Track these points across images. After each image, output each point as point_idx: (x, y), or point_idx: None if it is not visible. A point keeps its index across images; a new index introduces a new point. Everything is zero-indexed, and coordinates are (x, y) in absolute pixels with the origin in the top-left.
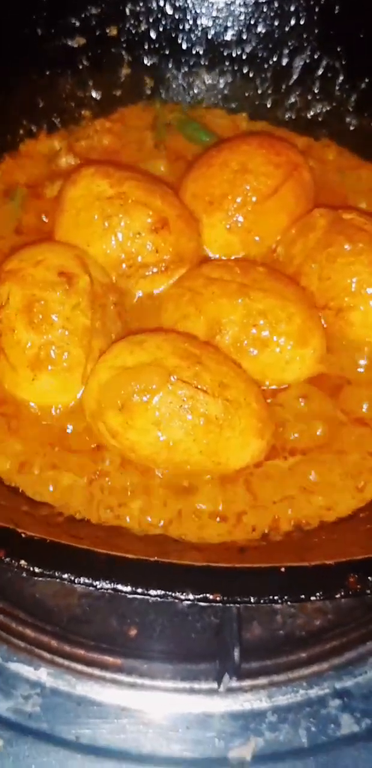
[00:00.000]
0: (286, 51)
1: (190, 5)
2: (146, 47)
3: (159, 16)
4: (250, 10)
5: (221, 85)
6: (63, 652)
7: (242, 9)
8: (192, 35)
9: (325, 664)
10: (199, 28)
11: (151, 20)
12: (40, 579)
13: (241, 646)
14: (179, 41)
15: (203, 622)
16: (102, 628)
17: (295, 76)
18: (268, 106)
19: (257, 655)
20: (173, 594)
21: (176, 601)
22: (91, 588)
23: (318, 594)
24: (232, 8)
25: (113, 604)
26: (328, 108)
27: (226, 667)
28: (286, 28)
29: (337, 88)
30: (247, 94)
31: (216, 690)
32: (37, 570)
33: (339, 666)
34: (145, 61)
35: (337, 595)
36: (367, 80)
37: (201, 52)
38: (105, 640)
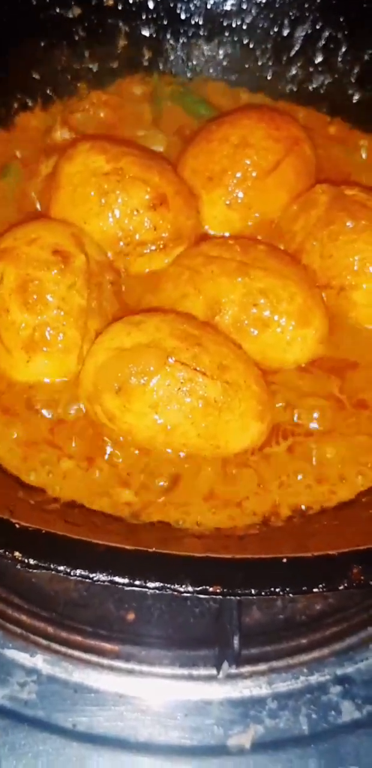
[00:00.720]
0: (287, 21)
1: None
2: (144, 17)
3: None
4: None
5: (221, 57)
6: (59, 639)
7: None
8: (191, 5)
9: (325, 650)
10: None
11: None
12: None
13: (241, 631)
14: (178, 11)
15: (202, 607)
16: (99, 613)
17: (296, 48)
18: (269, 78)
19: (257, 641)
20: (172, 587)
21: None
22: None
23: (320, 586)
24: None
25: (111, 588)
26: (330, 80)
27: (226, 654)
28: None
29: (339, 59)
30: (247, 66)
31: (215, 677)
32: (31, 562)
33: (340, 652)
34: (143, 32)
35: (341, 587)
36: (370, 52)
37: (200, 23)
38: (102, 625)
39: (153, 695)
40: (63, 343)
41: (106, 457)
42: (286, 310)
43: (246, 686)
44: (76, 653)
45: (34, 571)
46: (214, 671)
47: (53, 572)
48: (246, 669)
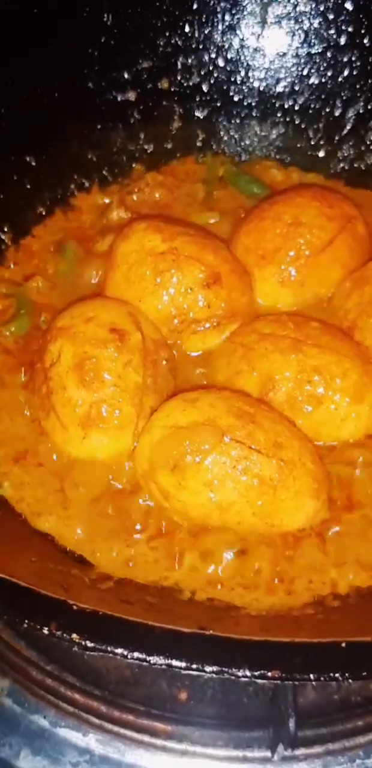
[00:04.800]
0: (339, 102)
1: (242, 58)
2: (197, 99)
3: (211, 68)
4: (302, 61)
5: (273, 137)
6: (112, 718)
7: (294, 60)
8: (244, 87)
9: None
10: (251, 80)
11: (202, 73)
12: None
13: (296, 712)
14: (231, 93)
15: (256, 686)
16: (152, 692)
17: (348, 127)
18: (321, 156)
19: (312, 723)
20: (230, 671)
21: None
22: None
23: None
24: (284, 60)
25: None
26: None
27: (281, 735)
28: (340, 79)
29: None
30: (299, 146)
31: (270, 759)
32: (89, 644)
33: None
34: (197, 114)
35: None
36: None
37: (253, 104)
38: (155, 704)
39: None
40: (119, 419)
41: (160, 533)
42: (340, 387)
43: None
44: (129, 733)
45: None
46: (268, 753)
47: (110, 655)
48: (301, 752)
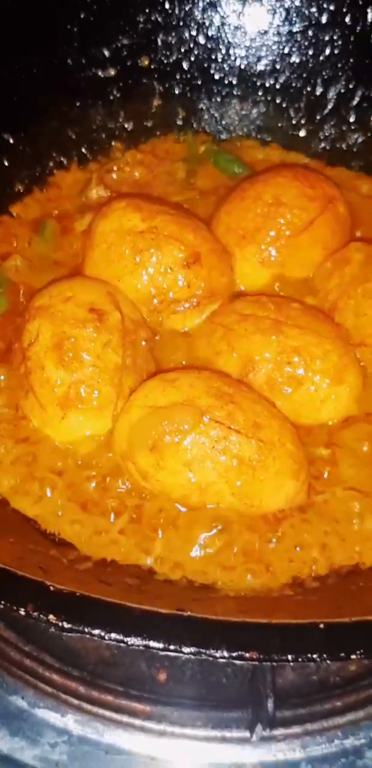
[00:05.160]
0: (320, 81)
1: (223, 35)
2: (178, 77)
3: (191, 46)
4: (283, 39)
5: (254, 116)
6: (90, 698)
7: (276, 38)
8: (224, 65)
9: (361, 713)
10: (232, 58)
11: (183, 50)
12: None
13: (274, 693)
14: (211, 71)
15: (235, 667)
16: (131, 673)
17: (329, 106)
18: (302, 136)
19: (291, 703)
20: (207, 651)
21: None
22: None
23: (359, 652)
24: (265, 38)
25: None
26: (363, 138)
27: (259, 716)
28: (321, 58)
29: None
30: (280, 125)
31: (248, 739)
32: (66, 625)
33: None
34: (177, 92)
35: None
36: None
37: (234, 82)
38: (134, 685)
39: (185, 758)
40: (98, 400)
41: (139, 514)
42: (320, 368)
43: (280, 749)
44: (108, 713)
45: (68, 634)
46: (247, 734)
47: (88, 636)
48: (280, 732)
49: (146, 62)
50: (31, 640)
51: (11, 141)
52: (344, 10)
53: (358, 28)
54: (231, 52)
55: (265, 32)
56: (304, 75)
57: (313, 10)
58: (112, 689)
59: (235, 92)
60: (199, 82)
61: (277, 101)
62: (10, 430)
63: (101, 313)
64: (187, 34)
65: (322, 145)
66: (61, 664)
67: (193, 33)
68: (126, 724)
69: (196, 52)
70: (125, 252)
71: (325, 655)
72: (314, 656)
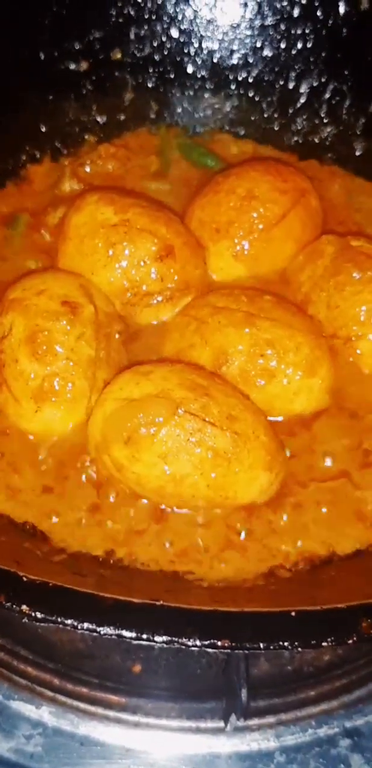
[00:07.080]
0: (292, 74)
1: (196, 28)
2: (150, 71)
3: (163, 39)
4: (256, 33)
5: (227, 109)
6: (65, 690)
7: (248, 32)
8: (197, 59)
9: (334, 702)
10: (205, 52)
11: (155, 44)
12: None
13: (248, 683)
14: (184, 65)
15: (209, 658)
16: (105, 665)
17: (302, 100)
18: (275, 129)
19: (265, 693)
20: (180, 640)
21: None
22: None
23: (329, 640)
24: (237, 31)
25: (117, 640)
26: (335, 132)
27: (233, 706)
28: (293, 52)
29: (344, 111)
30: (253, 118)
31: (222, 729)
32: (39, 615)
33: (349, 704)
34: (150, 85)
35: (350, 641)
36: None
37: (206, 76)
38: (108, 677)
39: (160, 748)
40: (72, 393)
41: (114, 507)
42: (293, 361)
43: (254, 739)
44: (82, 705)
45: (42, 624)
46: (221, 724)
47: (60, 626)
48: (254, 722)
49: (119, 56)
50: (5, 633)
51: None
52: (316, 3)
53: (330, 22)
54: (203, 45)
55: (238, 26)
56: (277, 69)
57: (285, 3)
58: (86, 681)
59: (207, 86)
60: (172, 76)
61: (250, 95)
62: None
63: (75, 306)
64: (159, 28)
65: (295, 138)
66: (36, 656)
67: (166, 26)
68: (101, 715)
69: (168, 46)
70: (98, 245)
71: (296, 643)
72: (286, 644)
